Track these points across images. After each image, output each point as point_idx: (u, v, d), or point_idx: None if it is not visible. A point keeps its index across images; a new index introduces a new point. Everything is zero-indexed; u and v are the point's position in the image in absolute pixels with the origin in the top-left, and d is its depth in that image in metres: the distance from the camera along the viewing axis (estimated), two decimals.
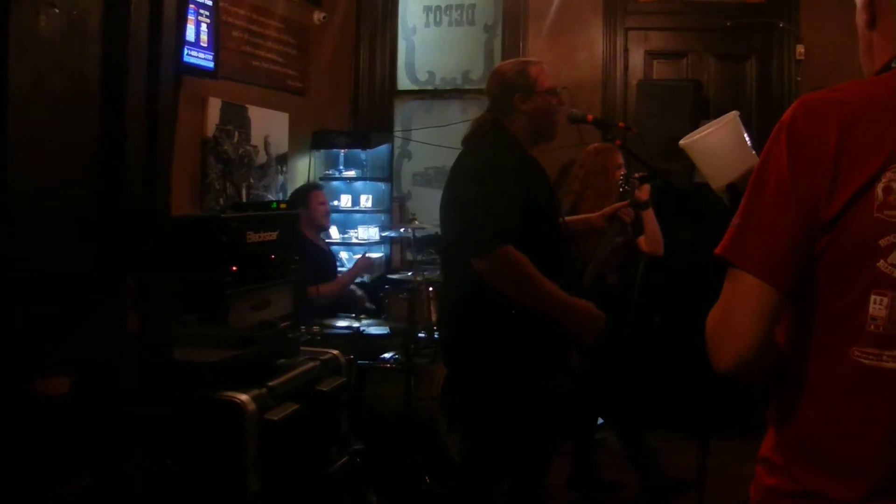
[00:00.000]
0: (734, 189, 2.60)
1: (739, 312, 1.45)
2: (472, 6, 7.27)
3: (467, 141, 3.39)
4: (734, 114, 2.76)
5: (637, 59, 6.91)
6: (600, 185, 4.56)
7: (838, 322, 1.44)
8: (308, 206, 5.61)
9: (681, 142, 2.84)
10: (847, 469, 1.43)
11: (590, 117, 3.43)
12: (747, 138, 2.73)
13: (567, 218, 3.58)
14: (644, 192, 4.18)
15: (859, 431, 1.42)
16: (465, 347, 3.25)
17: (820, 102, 1.47)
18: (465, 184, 3.21)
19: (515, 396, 3.21)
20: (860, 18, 1.59)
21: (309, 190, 5.78)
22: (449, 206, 3.29)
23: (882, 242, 1.39)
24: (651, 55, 6.91)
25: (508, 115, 3.30)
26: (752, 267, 1.44)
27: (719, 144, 2.70)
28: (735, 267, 1.47)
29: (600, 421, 6.09)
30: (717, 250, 1.50)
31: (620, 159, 4.64)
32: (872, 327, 1.40)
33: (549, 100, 3.31)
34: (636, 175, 4.30)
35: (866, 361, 1.41)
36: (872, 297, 1.40)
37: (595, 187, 4.58)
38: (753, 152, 2.70)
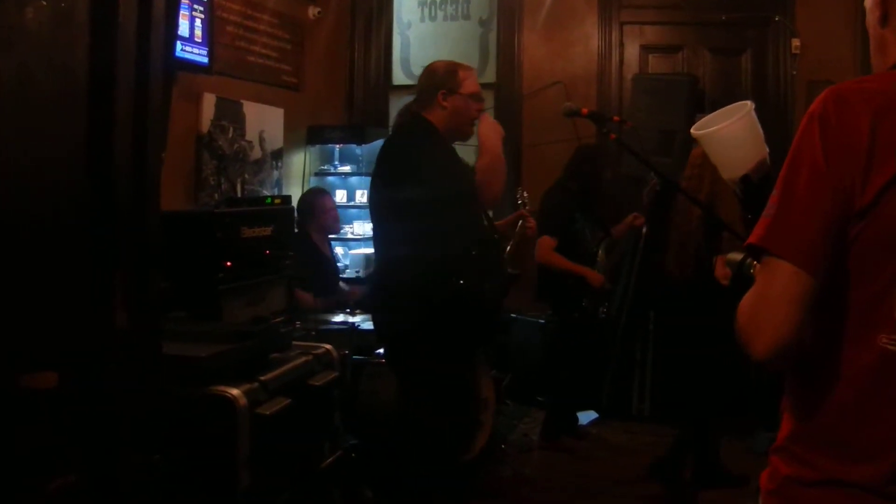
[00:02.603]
0: (748, 180, 2.60)
1: (776, 300, 1.45)
2: (467, 1, 7.26)
3: (395, 129, 3.67)
4: (750, 105, 2.75)
5: (632, 53, 6.90)
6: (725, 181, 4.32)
7: (867, 309, 1.44)
8: (315, 215, 5.61)
9: (694, 131, 2.84)
10: (870, 453, 1.43)
11: (584, 111, 3.42)
12: (760, 129, 2.73)
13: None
14: None
15: (884, 416, 1.43)
16: (413, 322, 3.38)
17: (850, 92, 1.47)
18: (405, 179, 3.38)
19: (459, 366, 3.54)
20: (872, 16, 1.59)
21: (315, 197, 5.77)
22: (389, 204, 3.46)
23: None
24: (646, 49, 6.90)
25: (430, 108, 3.52)
26: (789, 254, 1.44)
27: (735, 136, 2.69)
28: (771, 255, 1.46)
29: (595, 416, 6.11)
30: (751, 240, 1.50)
31: None
32: None
33: (469, 103, 3.53)
34: None
35: (893, 348, 1.41)
36: None
37: (724, 186, 4.35)
38: (765, 144, 2.71)
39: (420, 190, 3.31)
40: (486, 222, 3.67)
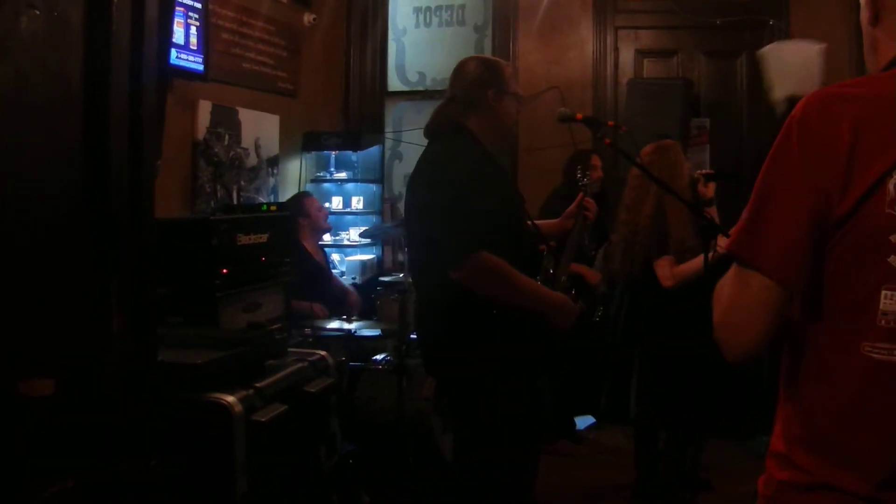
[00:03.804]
0: (792, 103, 2.63)
1: (747, 310, 1.48)
2: (462, 6, 7.27)
3: (430, 134, 3.34)
4: (823, 46, 2.77)
5: (627, 57, 6.91)
6: (677, 181, 4.28)
7: (849, 316, 1.44)
8: (308, 216, 5.61)
9: (763, 49, 2.84)
10: (861, 460, 1.43)
11: (579, 116, 3.41)
12: (820, 73, 2.73)
13: (539, 222, 3.56)
14: (709, 190, 4.19)
15: (872, 423, 1.42)
16: (455, 350, 3.22)
17: (832, 98, 1.47)
18: (429, 191, 3.15)
19: (506, 397, 3.20)
20: (864, 15, 1.59)
21: (302, 199, 5.78)
22: (415, 215, 3.25)
23: (893, 238, 1.39)
24: (641, 54, 6.90)
25: (475, 109, 3.24)
26: (762, 266, 1.45)
27: (800, 57, 2.71)
28: (744, 264, 1.47)
29: (592, 420, 6.11)
30: (726, 246, 1.51)
31: (682, 154, 4.56)
32: (883, 322, 1.40)
33: (515, 103, 3.30)
34: (702, 172, 4.30)
35: (877, 356, 1.41)
36: (883, 292, 1.40)
37: (674, 183, 4.23)
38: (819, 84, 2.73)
39: (438, 205, 3.08)
40: (533, 245, 3.37)
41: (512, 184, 3.45)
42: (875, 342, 1.41)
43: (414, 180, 3.27)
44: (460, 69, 3.33)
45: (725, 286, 1.52)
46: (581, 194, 3.63)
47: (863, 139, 1.40)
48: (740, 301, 1.49)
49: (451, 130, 3.25)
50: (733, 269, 1.51)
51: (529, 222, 3.41)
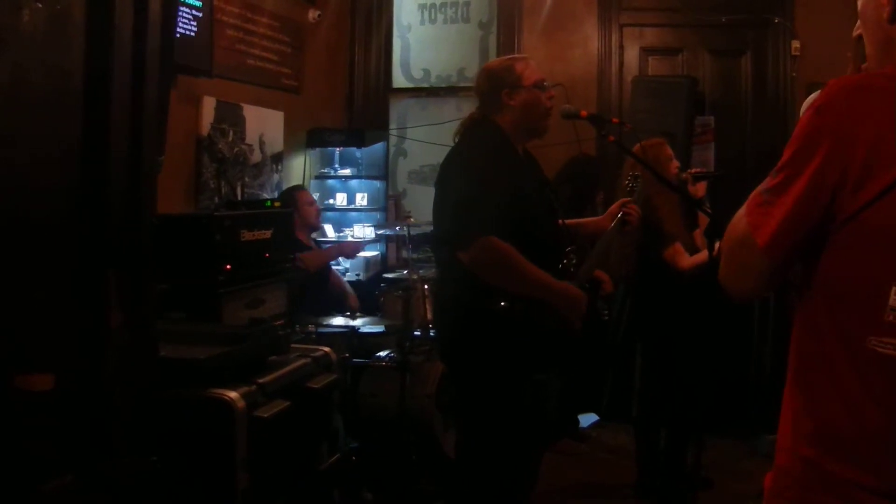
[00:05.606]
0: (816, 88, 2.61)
1: (742, 267, 1.58)
2: (467, 4, 7.25)
3: (456, 136, 3.44)
4: None
5: (632, 55, 6.89)
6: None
7: (857, 310, 1.44)
8: (297, 209, 5.61)
9: None
10: (870, 454, 1.42)
11: (583, 113, 3.41)
12: None
13: (577, 220, 3.62)
14: (699, 190, 4.17)
15: (878, 417, 1.42)
16: (461, 342, 3.26)
17: (856, 88, 1.46)
18: (446, 180, 3.27)
19: (511, 390, 3.23)
20: (880, 12, 1.55)
21: (294, 192, 5.79)
22: (435, 203, 3.34)
23: None
24: (646, 51, 6.89)
25: (498, 111, 3.36)
26: (759, 238, 1.49)
27: None
28: (751, 229, 1.52)
29: (595, 418, 6.11)
30: (744, 209, 1.56)
31: (669, 150, 4.56)
32: (891, 318, 1.40)
33: (536, 94, 3.34)
34: (691, 171, 4.28)
35: (882, 350, 1.41)
36: (893, 288, 1.40)
37: (657, 185, 4.34)
38: None
39: (453, 191, 3.18)
40: (552, 232, 3.38)
41: (540, 179, 3.48)
42: (881, 337, 1.41)
43: (438, 175, 3.38)
44: (479, 75, 3.52)
45: (738, 228, 1.57)
46: (627, 198, 3.65)
47: (884, 133, 1.39)
48: (739, 257, 1.58)
49: (476, 124, 3.39)
50: (745, 218, 1.54)
51: (561, 221, 3.45)
